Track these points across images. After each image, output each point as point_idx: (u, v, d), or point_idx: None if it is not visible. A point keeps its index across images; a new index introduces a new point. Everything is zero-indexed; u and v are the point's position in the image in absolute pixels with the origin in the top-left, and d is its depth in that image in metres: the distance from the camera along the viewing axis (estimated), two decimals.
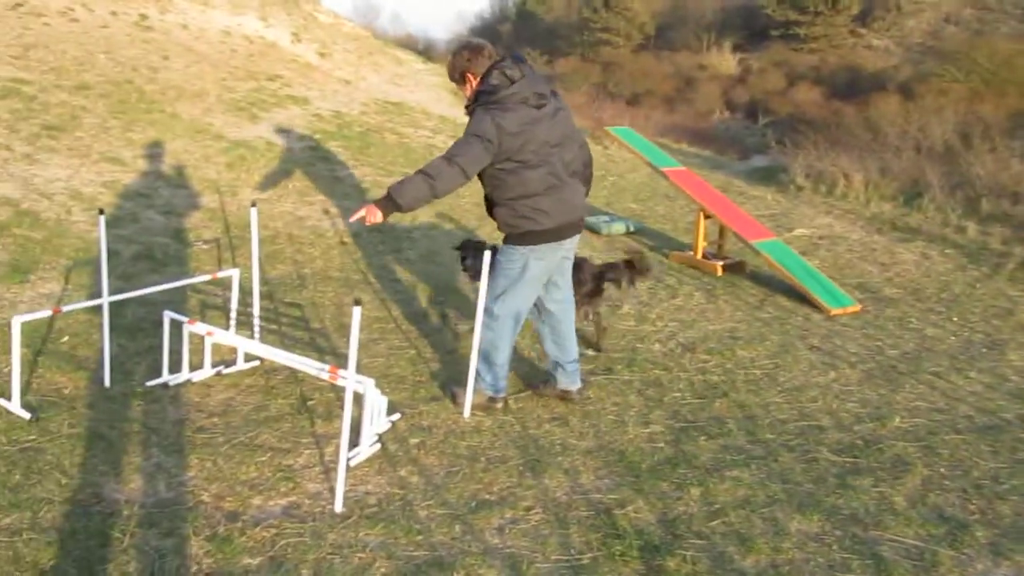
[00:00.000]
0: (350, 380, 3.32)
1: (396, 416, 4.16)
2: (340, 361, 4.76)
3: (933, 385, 5.15)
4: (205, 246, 6.82)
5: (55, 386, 4.17)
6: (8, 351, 4.17)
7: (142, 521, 3.12)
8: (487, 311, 4.18)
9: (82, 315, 4.97)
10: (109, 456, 3.56)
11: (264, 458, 3.68)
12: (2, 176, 7.18)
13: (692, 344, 5.64)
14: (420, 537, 3.19)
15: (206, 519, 3.19)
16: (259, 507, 3.31)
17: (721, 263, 7.62)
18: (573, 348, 4.54)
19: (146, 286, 5.30)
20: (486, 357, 4.28)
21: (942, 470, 4.03)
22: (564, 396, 4.55)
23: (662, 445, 4.14)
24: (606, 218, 9.24)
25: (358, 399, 3.64)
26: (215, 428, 3.93)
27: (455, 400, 4.43)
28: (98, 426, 3.82)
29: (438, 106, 15.20)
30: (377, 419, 3.83)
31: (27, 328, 4.42)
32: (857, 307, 6.66)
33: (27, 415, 3.79)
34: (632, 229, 9.07)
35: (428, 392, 4.57)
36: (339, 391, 4.14)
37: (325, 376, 3.68)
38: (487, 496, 3.54)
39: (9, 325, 3.98)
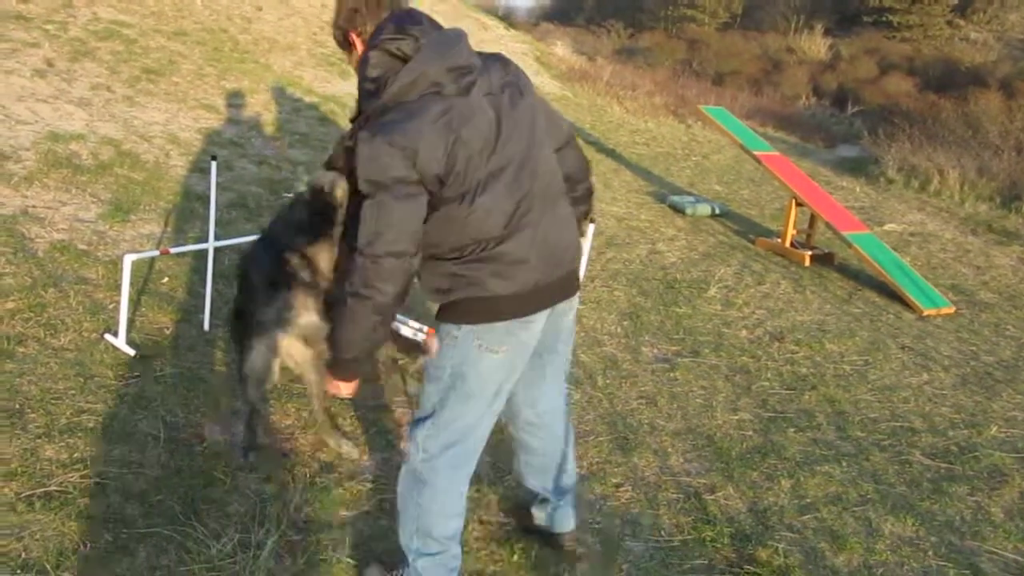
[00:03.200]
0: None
1: None
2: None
3: None
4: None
5: (157, 326, 4.28)
6: (114, 287, 4.29)
7: (243, 464, 3.19)
8: (413, 447, 2.47)
9: (182, 258, 5.07)
10: (209, 399, 3.64)
11: (358, 413, 3.73)
12: (104, 116, 7.35)
13: (780, 333, 5.54)
14: (511, 504, 3.20)
15: (304, 468, 3.24)
16: (355, 460, 3.36)
17: (809, 253, 7.46)
18: (564, 472, 2.89)
19: (241, 235, 5.39)
20: (421, 531, 2.47)
21: None
22: (548, 540, 2.95)
23: (751, 433, 4.09)
24: (691, 199, 9.10)
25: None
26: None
27: None
28: (198, 368, 3.91)
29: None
30: None
31: (132, 267, 4.54)
32: (951, 309, 6.46)
33: (131, 351, 3.90)
34: (718, 212, 8.93)
35: None
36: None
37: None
38: (578, 469, 3.54)
39: (117, 262, 4.08)
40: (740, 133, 8.74)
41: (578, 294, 2.60)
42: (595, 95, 15.46)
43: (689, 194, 9.51)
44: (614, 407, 4.17)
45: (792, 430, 4.17)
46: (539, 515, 2.91)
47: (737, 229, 8.42)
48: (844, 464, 3.88)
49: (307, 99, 9.55)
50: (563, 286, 2.45)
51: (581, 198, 2.78)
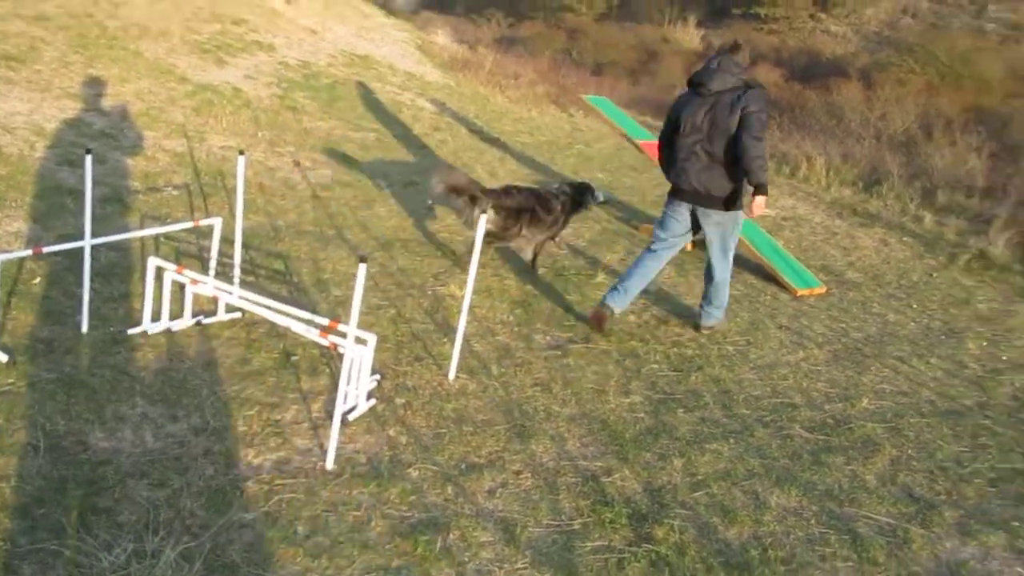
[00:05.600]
0: (351, 334, 3.30)
1: (377, 376, 4.14)
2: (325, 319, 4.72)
3: (897, 369, 5.31)
4: (174, 191, 6.65)
5: (31, 329, 4.06)
6: None
7: (132, 471, 3.08)
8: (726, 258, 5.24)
9: (54, 257, 4.82)
10: (92, 404, 3.49)
11: (251, 412, 3.65)
12: None
13: (666, 317, 5.71)
14: (413, 497, 3.21)
15: (197, 472, 3.15)
16: (249, 462, 3.29)
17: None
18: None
19: (117, 230, 5.17)
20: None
21: (909, 451, 4.17)
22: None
23: (643, 415, 4.21)
24: None
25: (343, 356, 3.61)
26: (199, 380, 3.86)
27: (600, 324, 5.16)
28: (78, 372, 3.73)
29: (404, 62, 15.01)
30: (367, 376, 3.81)
31: (2, 267, 4.29)
32: (823, 288, 6.81)
33: (4, 357, 3.69)
34: (602, 199, 9.07)
35: (411, 352, 4.55)
36: (322, 347, 4.10)
37: (315, 335, 3.64)
38: (476, 459, 3.57)
39: None
40: (622, 122, 8.92)
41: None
42: (478, 84, 15.48)
43: None
44: (510, 395, 4.22)
45: (681, 411, 4.32)
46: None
47: (621, 216, 8.61)
48: (731, 441, 4.05)
49: (182, 88, 9.21)
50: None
51: None
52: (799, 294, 6.62)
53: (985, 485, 3.92)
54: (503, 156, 10.73)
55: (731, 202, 5.07)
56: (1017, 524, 3.60)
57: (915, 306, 6.76)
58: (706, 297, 5.45)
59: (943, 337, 6.06)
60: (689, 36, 33.04)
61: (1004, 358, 5.74)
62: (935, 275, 7.77)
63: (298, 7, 15.13)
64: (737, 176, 4.97)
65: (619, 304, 5.23)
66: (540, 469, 3.56)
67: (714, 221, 5.14)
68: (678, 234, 5.28)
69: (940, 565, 3.26)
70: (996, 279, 7.77)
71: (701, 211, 5.12)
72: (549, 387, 4.38)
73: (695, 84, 5.05)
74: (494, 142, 11.51)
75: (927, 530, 3.47)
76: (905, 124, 12.47)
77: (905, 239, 8.94)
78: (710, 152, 4.96)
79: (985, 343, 6.00)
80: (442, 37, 21.51)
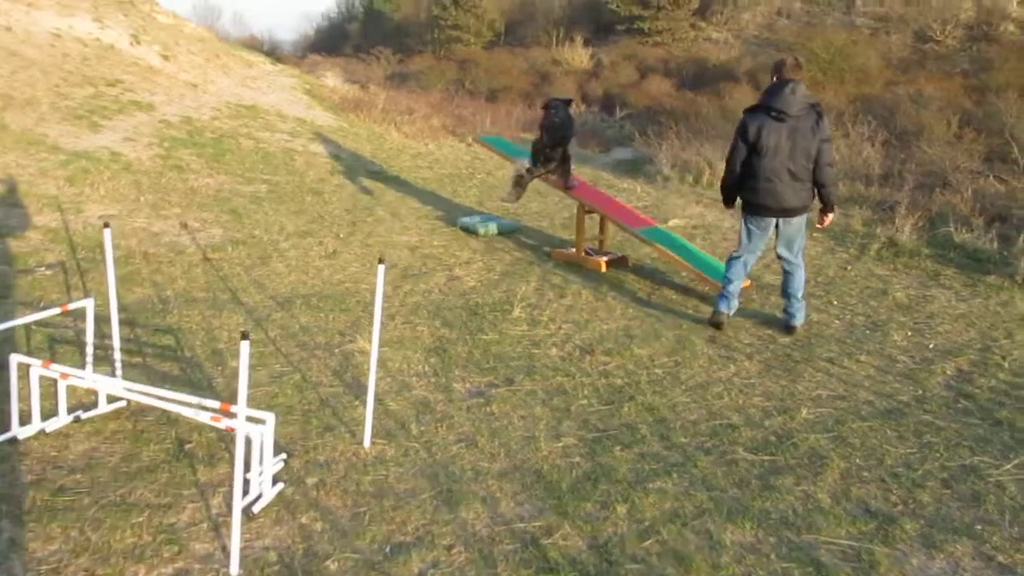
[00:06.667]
0: (241, 417, 2.92)
1: (283, 456, 3.75)
2: (220, 396, 4.30)
3: (829, 372, 5.16)
4: (48, 271, 6.11)
5: None
6: None
7: None
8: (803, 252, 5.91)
9: None
10: None
11: (141, 518, 3.21)
12: None
13: (590, 346, 5.46)
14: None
15: None
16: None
17: (604, 259, 7.51)
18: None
19: None
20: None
21: (857, 461, 3.98)
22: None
23: (578, 459, 3.92)
24: (481, 218, 8.98)
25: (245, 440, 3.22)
26: (79, 487, 3.40)
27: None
28: None
29: (294, 108, 14.57)
30: (270, 459, 3.42)
31: None
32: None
33: None
34: (508, 229, 8.86)
35: (320, 422, 4.16)
36: (221, 431, 3.69)
37: (206, 418, 3.24)
38: (402, 537, 3.21)
39: None
40: (519, 154, 8.72)
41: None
42: (372, 123, 15.15)
43: (479, 213, 9.40)
44: (433, 456, 3.87)
45: (618, 448, 4.05)
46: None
47: (531, 244, 8.38)
48: (675, 476, 3.79)
49: (53, 158, 8.61)
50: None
51: None
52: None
53: (939, 488, 3.75)
54: (404, 194, 10.41)
55: (807, 208, 5.82)
56: (980, 528, 3.42)
57: (835, 303, 6.67)
58: (794, 296, 5.89)
59: (868, 331, 5.96)
60: (578, 56, 33.39)
61: (931, 346, 5.66)
62: (849, 268, 7.75)
63: (177, 62, 14.57)
64: (812, 188, 5.70)
65: (730, 308, 6.00)
66: (473, 540, 3.22)
67: (795, 227, 5.79)
68: (762, 241, 5.92)
69: None
70: (908, 265, 7.79)
71: (783, 221, 5.74)
72: (475, 441, 4.05)
73: (774, 110, 5.48)
74: (394, 181, 11.18)
75: (891, 548, 3.26)
76: None
77: (815, 235, 8.93)
78: (793, 172, 5.55)
79: (910, 333, 5.93)
80: (331, 79, 21.15)
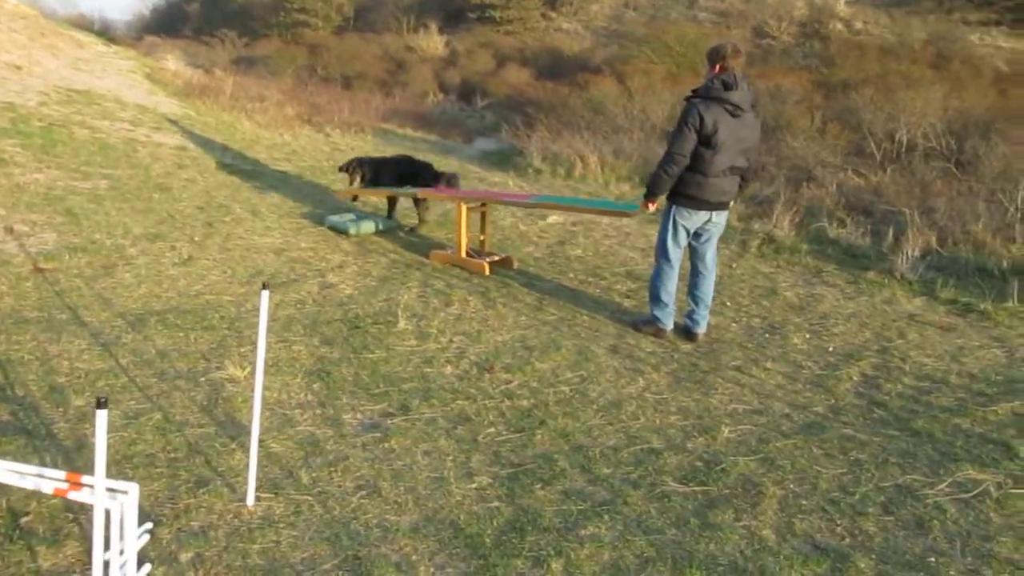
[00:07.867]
0: (100, 489, 2.28)
1: (148, 525, 3.08)
2: (64, 448, 3.56)
3: (739, 382, 4.91)
4: None
5: None
6: None
7: None
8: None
9: None
10: None
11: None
12: None
13: (487, 361, 5.00)
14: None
15: None
16: None
17: (488, 261, 7.06)
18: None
19: None
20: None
21: (792, 487, 3.72)
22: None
23: (496, 504, 3.45)
24: (352, 216, 8.34)
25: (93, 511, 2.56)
26: None
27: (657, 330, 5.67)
28: None
29: (133, 93, 13.35)
30: (133, 535, 2.77)
31: None
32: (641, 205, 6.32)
33: None
34: (382, 227, 8.27)
35: (191, 474, 3.50)
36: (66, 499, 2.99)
37: (49, 490, 2.56)
38: None
39: None
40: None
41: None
42: (220, 111, 14.08)
43: (348, 211, 8.74)
44: (330, 512, 3.31)
45: (539, 486, 3.61)
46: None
47: (405, 244, 7.83)
48: (606, 518, 3.39)
49: None
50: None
51: None
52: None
53: (881, 514, 3.51)
54: (263, 189, 9.59)
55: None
56: (933, 560, 3.20)
57: (729, 303, 6.49)
58: (703, 302, 5.66)
59: (767, 335, 5.79)
60: (433, 43, 32.78)
61: (830, 349, 5.54)
62: (734, 266, 7.63)
63: None
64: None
65: (671, 317, 5.70)
66: None
67: (724, 220, 5.62)
68: (687, 239, 5.61)
69: None
70: (789, 262, 7.76)
71: (717, 214, 5.49)
72: (377, 488, 3.51)
73: (730, 104, 5.18)
74: (250, 174, 10.31)
75: None
76: (665, 114, 12.63)
77: None
78: (735, 166, 5.37)
79: (808, 335, 5.79)
80: (173, 62, 19.70)
